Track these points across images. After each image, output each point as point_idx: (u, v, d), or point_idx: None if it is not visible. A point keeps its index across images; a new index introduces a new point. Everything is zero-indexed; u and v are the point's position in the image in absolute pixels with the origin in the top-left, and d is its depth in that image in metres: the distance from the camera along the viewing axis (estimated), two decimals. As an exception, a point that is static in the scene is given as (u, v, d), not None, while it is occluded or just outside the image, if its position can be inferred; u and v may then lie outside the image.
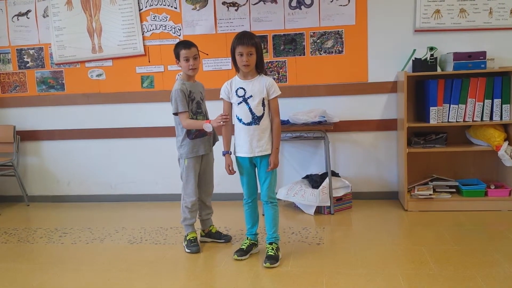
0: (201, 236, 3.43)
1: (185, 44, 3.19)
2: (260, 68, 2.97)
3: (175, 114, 3.19)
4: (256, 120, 2.94)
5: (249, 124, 2.94)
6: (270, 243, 3.04)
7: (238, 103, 2.96)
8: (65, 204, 4.78)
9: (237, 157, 3.05)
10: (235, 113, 3.00)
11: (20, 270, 3.09)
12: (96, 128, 4.71)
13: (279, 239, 3.11)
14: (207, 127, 3.07)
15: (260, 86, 2.93)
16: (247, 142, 2.95)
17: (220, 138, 3.16)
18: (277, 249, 3.03)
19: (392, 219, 3.81)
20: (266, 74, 3.05)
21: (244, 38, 2.86)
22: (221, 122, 2.99)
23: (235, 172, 3.06)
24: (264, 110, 2.95)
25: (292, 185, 4.15)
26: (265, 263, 2.93)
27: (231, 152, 3.06)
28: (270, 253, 2.99)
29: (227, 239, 3.43)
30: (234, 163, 3.08)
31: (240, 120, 2.96)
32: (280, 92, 2.98)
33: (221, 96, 3.03)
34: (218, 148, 3.35)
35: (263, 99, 2.94)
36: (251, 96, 2.93)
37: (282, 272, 2.84)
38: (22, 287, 2.82)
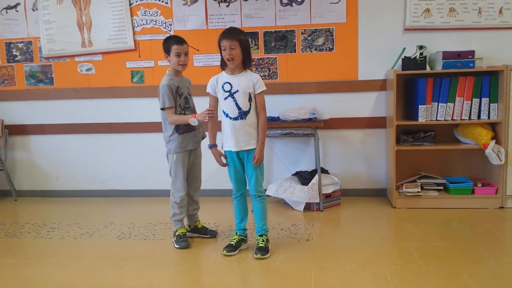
0: (187, 231, 3.43)
1: (178, 39, 3.19)
2: (247, 65, 3.00)
3: (162, 109, 3.19)
4: (242, 115, 2.96)
5: (235, 119, 2.96)
6: (260, 235, 3.09)
7: (225, 98, 2.98)
8: (54, 199, 4.75)
9: (224, 152, 3.07)
10: (221, 108, 3.01)
11: (8, 264, 3.07)
12: (86, 122, 4.68)
13: (269, 231, 3.15)
14: (193, 122, 3.09)
15: (247, 81, 2.96)
16: (233, 136, 2.98)
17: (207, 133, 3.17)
18: (267, 240, 3.09)
19: (380, 216, 3.84)
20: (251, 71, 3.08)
21: (227, 33, 2.92)
22: (207, 118, 3.01)
23: (227, 164, 3.07)
24: (250, 105, 2.97)
25: (282, 181, 4.16)
26: (256, 255, 2.98)
27: (217, 145, 3.08)
28: (260, 244, 3.04)
29: (213, 234, 3.44)
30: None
31: (226, 115, 2.98)
32: (266, 88, 3.00)
33: (207, 91, 3.05)
34: (206, 144, 3.36)
35: (250, 94, 2.96)
36: (237, 90, 2.95)
37: (271, 268, 2.86)
38: (9, 282, 2.80)
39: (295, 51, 4.30)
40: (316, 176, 3.98)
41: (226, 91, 2.97)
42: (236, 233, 3.17)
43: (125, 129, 4.64)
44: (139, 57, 4.51)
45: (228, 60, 2.91)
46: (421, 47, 3.93)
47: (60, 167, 4.81)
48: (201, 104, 3.43)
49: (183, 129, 3.22)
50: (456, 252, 2.99)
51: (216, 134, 3.09)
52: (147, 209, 4.29)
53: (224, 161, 3.07)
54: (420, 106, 3.83)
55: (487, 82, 3.79)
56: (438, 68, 3.84)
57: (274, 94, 4.15)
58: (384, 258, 2.95)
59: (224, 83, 2.99)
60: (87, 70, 4.62)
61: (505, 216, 3.71)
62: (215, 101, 3.05)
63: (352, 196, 4.34)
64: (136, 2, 4.44)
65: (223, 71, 3.04)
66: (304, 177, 4.08)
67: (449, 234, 3.34)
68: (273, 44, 4.32)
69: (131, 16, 4.46)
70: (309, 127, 4.00)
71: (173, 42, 3.17)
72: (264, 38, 4.32)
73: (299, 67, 4.31)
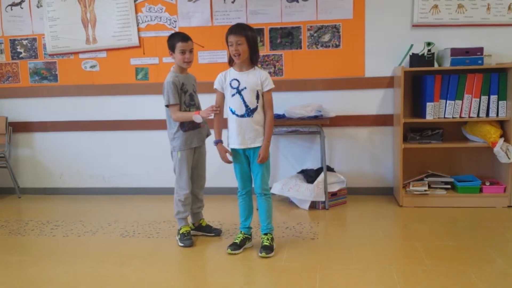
0: (191, 229, 3.40)
1: (183, 36, 3.16)
2: (254, 61, 2.96)
3: (167, 106, 3.17)
4: (249, 112, 2.93)
5: (242, 116, 2.93)
6: (265, 234, 3.07)
7: (232, 95, 2.95)
8: (57, 197, 4.74)
9: (230, 149, 3.04)
10: (228, 105, 2.98)
11: (11, 262, 3.05)
12: (89, 120, 4.67)
13: (273, 229, 3.12)
14: (197, 118, 3.07)
15: (255, 79, 2.93)
16: (239, 134, 2.95)
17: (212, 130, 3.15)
18: (272, 239, 3.07)
19: (386, 215, 3.80)
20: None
21: (234, 28, 2.89)
22: (211, 114, 2.98)
23: (231, 161, 3.04)
24: (257, 103, 2.94)
25: (287, 179, 4.12)
26: (261, 253, 2.95)
27: (222, 141, 3.04)
28: (265, 243, 3.01)
29: (217, 232, 3.41)
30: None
31: (233, 112, 2.95)
32: (274, 86, 2.97)
33: (214, 87, 3.02)
34: (211, 142, 3.33)
35: (257, 91, 2.92)
36: (245, 88, 2.92)
37: (276, 267, 2.83)
38: (12, 279, 2.79)
39: (301, 48, 4.26)
40: (322, 174, 3.94)
41: (234, 88, 2.94)
42: (241, 232, 3.14)
43: (129, 127, 4.62)
44: (144, 54, 4.49)
45: (235, 56, 2.88)
46: (429, 44, 3.89)
47: (63, 164, 4.80)
48: (206, 101, 3.40)
49: (187, 126, 3.19)
50: (463, 252, 2.94)
51: (221, 131, 3.05)
52: (151, 207, 4.27)
53: (229, 158, 3.03)
54: (427, 104, 3.78)
55: (495, 79, 3.74)
56: (446, 65, 3.79)
57: (280, 91, 4.09)
58: (390, 257, 2.91)
59: (232, 80, 2.96)
60: (91, 67, 4.60)
61: (514, 215, 3.67)
62: (221, 97, 3.02)
63: (358, 194, 4.30)
64: (141, -2, 4.42)
65: (231, 68, 3.01)
66: (309, 175, 4.04)
67: (456, 233, 3.30)
68: (278, 41, 4.29)
69: (136, 12, 4.43)
70: (315, 124, 3.96)
71: (177, 39, 3.14)
72: (269, 34, 4.28)
73: (305, 64, 4.27)
